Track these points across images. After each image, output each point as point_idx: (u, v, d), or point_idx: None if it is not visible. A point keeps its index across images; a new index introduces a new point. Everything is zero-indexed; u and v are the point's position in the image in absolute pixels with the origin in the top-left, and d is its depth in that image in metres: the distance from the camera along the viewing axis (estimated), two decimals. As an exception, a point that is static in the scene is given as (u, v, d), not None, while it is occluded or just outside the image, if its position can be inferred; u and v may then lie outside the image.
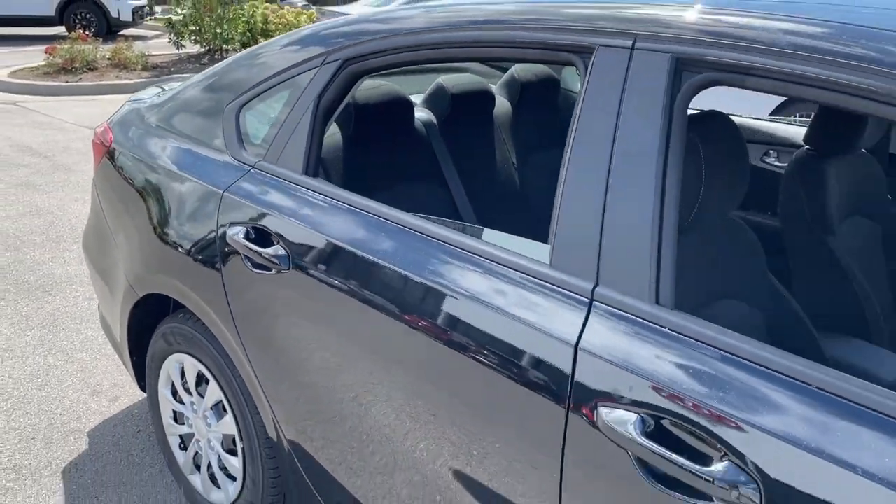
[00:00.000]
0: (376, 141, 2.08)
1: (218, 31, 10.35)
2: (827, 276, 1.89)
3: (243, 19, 10.64)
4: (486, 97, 2.48)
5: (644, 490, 1.10)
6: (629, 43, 1.25)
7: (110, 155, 2.28)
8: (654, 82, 1.21)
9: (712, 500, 1.04)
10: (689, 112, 1.28)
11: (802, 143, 2.00)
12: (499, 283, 1.32)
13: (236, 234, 1.75)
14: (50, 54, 9.56)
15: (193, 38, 10.63)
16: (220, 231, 1.81)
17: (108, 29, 13.64)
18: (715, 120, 1.47)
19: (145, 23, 15.23)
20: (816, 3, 1.17)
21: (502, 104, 2.58)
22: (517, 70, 2.53)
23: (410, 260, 1.45)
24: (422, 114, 2.35)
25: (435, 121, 2.34)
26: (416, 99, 2.46)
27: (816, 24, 1.11)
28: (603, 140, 1.24)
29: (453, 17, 1.53)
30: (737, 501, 1.00)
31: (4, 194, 5.14)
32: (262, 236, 1.73)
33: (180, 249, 1.94)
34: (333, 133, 2.10)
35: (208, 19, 10.36)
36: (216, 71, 2.08)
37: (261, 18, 10.96)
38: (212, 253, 1.84)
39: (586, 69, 1.29)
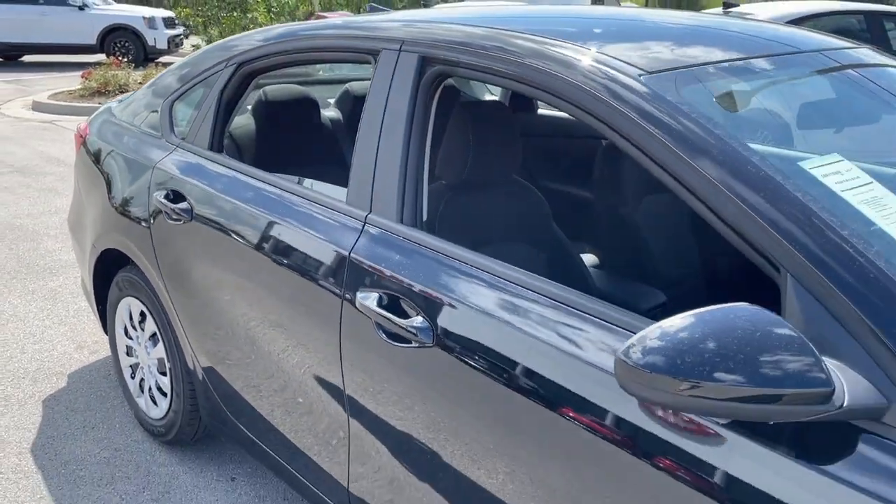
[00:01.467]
0: (283, 130, 2.63)
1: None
2: (623, 236, 2.38)
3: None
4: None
5: (381, 343, 1.62)
6: (398, 47, 1.79)
7: (84, 143, 2.88)
8: (409, 72, 1.74)
9: (411, 343, 1.55)
10: (470, 99, 1.81)
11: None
12: (317, 215, 1.85)
13: (159, 196, 2.32)
14: (86, 79, 10.39)
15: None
16: (151, 196, 2.38)
17: (146, 56, 14.56)
18: (487, 106, 1.99)
19: (180, 50, 16.17)
20: (502, 16, 1.70)
21: None
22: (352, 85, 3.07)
23: (267, 206, 1.99)
24: (331, 112, 2.91)
25: (341, 118, 2.90)
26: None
27: (495, 29, 1.64)
28: (378, 110, 1.78)
29: (301, 31, 2.09)
30: (424, 340, 1.51)
31: (31, 197, 5.82)
32: (177, 197, 2.29)
33: (125, 212, 2.51)
34: (248, 123, 2.66)
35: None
36: (161, 76, 2.67)
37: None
38: (144, 214, 2.41)
39: (376, 64, 1.84)
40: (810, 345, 0.99)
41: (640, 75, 1.42)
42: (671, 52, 1.55)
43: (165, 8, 16.40)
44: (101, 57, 14.46)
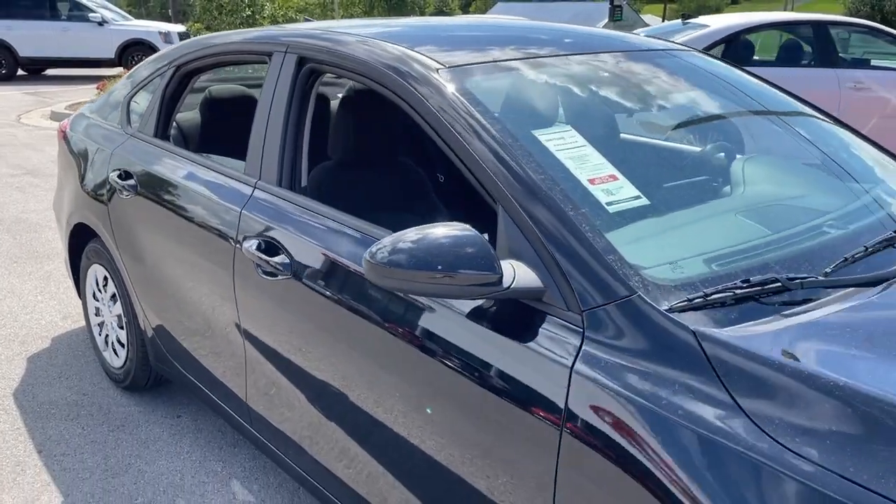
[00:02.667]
0: (221, 121, 3.09)
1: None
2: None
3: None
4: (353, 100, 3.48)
5: (259, 279, 2.08)
6: (284, 49, 2.27)
7: (64, 137, 3.39)
8: (291, 69, 2.21)
9: (277, 276, 2.01)
10: (358, 91, 2.28)
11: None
12: (224, 184, 2.32)
13: (113, 175, 2.81)
14: (100, 90, 11.03)
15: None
16: (108, 177, 2.87)
17: (160, 69, 15.22)
18: (369, 96, 2.45)
19: (195, 64, 16.83)
20: (370, 25, 2.17)
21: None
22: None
23: (190, 179, 2.47)
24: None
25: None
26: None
27: (353, 36, 2.11)
28: (268, 98, 2.25)
29: (221, 39, 2.58)
30: (286, 273, 1.97)
31: (38, 196, 6.38)
32: (126, 175, 2.78)
33: (90, 192, 3.01)
34: (196, 117, 3.15)
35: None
36: (122, 80, 3.17)
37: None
38: (104, 192, 2.90)
39: (269, 63, 2.31)
40: (489, 248, 1.43)
41: (437, 69, 1.88)
42: (474, 53, 2.01)
43: (178, 23, 17.08)
44: (119, 70, 15.16)
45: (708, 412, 1.23)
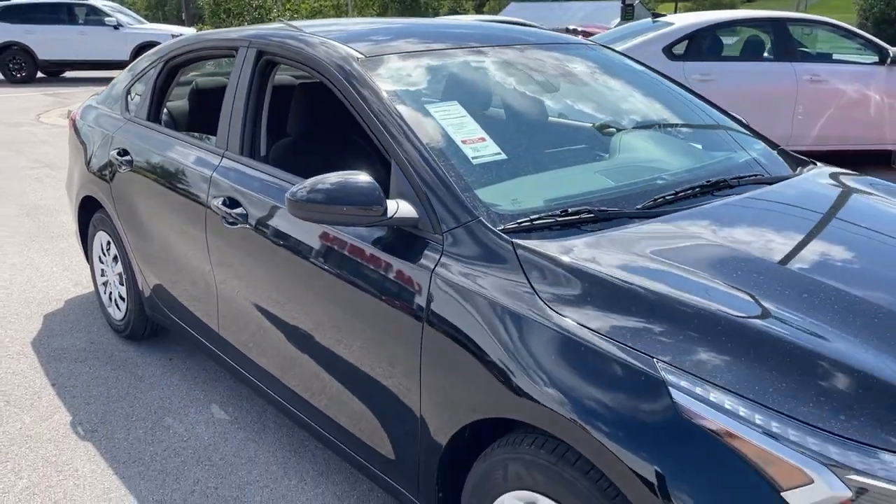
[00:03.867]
0: (205, 107, 3.61)
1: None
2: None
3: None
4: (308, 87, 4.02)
5: (224, 229, 2.61)
6: (247, 45, 2.79)
7: (73, 124, 3.94)
8: (252, 61, 2.74)
9: (237, 224, 2.53)
10: (312, 79, 2.79)
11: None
12: (201, 156, 2.85)
13: (113, 153, 3.36)
14: (114, 89, 11.63)
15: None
16: (110, 156, 3.41)
17: (173, 70, 15.87)
18: (320, 83, 2.96)
19: (206, 65, 17.46)
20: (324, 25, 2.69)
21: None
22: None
23: (175, 153, 2.99)
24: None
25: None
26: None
27: (295, 30, 2.64)
28: (234, 84, 2.77)
29: (199, 38, 3.11)
30: (244, 223, 2.50)
31: (55, 185, 6.96)
32: (124, 152, 3.32)
33: (96, 168, 3.55)
34: (185, 104, 3.69)
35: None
36: (122, 72, 3.72)
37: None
38: (106, 168, 3.44)
39: (236, 56, 2.84)
40: (379, 189, 1.93)
41: (358, 58, 2.39)
42: (395, 45, 2.52)
43: (191, 26, 17.73)
44: (132, 71, 15.79)
45: (515, 297, 1.74)
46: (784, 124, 6.99)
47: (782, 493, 1.31)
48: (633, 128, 2.74)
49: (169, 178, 2.96)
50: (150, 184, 3.10)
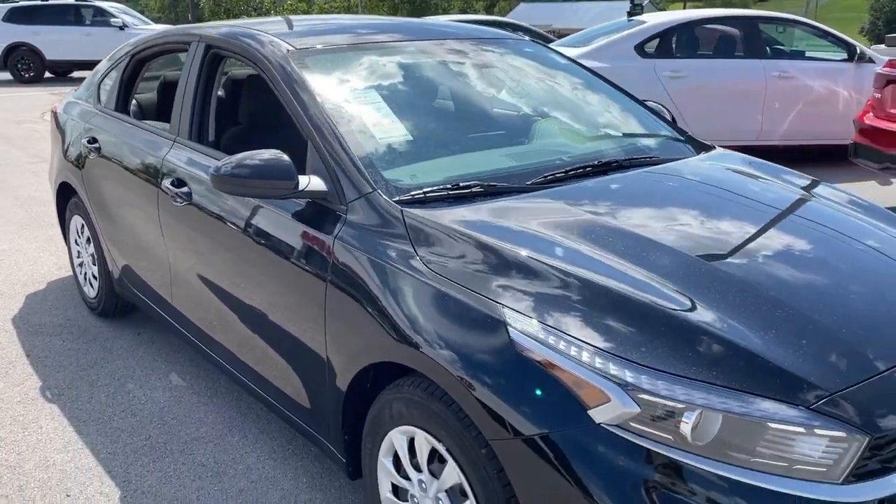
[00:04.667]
0: (172, 99, 3.87)
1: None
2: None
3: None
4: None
5: (173, 207, 2.86)
6: (197, 40, 3.05)
7: (54, 115, 4.22)
8: (201, 54, 3.00)
9: (182, 203, 2.79)
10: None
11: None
12: (156, 141, 3.11)
13: (84, 141, 3.63)
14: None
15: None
16: (81, 144, 3.68)
17: (176, 70, 16.22)
18: (249, 84, 3.21)
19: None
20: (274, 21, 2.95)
21: None
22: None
23: (136, 140, 3.26)
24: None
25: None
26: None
27: (241, 28, 2.89)
28: (185, 75, 3.03)
29: (159, 35, 3.38)
30: (188, 200, 2.75)
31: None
32: (93, 140, 3.59)
33: (70, 156, 3.82)
34: (153, 97, 3.96)
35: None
36: (96, 67, 3.99)
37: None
38: (79, 156, 3.72)
39: (188, 50, 3.10)
40: (292, 166, 2.18)
41: (288, 50, 2.64)
42: (328, 40, 2.77)
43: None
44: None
45: (400, 257, 1.99)
46: (754, 120, 7.20)
47: (588, 411, 1.55)
48: (552, 116, 2.97)
49: (129, 163, 3.23)
50: (114, 168, 3.36)
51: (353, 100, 2.49)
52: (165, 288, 3.13)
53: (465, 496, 1.82)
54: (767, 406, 1.52)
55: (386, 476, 2.09)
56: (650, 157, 2.65)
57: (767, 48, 7.39)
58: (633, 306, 1.70)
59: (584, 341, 1.63)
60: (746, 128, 7.22)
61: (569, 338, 1.64)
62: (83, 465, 2.72)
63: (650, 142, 2.86)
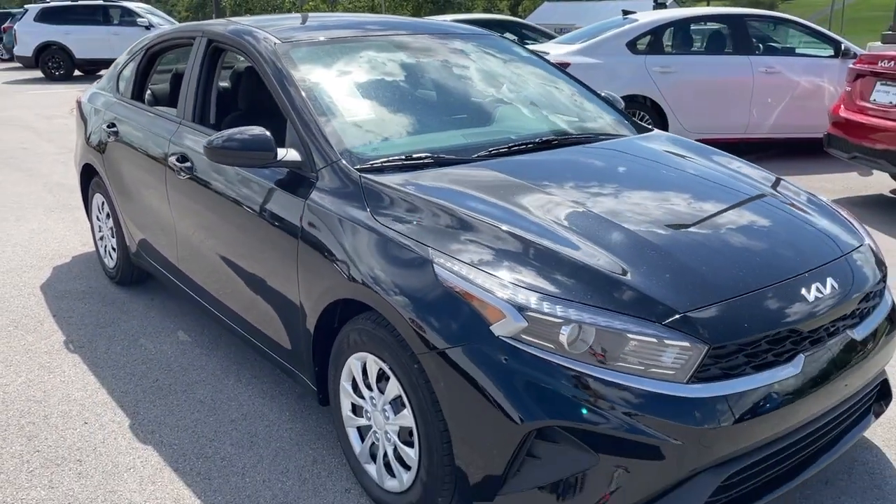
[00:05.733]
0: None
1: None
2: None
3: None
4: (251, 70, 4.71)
5: (178, 180, 3.31)
6: (201, 35, 3.49)
7: (78, 105, 4.69)
8: (203, 46, 3.43)
9: (185, 175, 3.23)
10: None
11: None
12: (166, 124, 3.55)
13: (105, 126, 4.09)
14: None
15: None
16: (102, 129, 4.14)
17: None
18: (248, 74, 3.64)
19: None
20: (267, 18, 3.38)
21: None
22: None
23: (148, 124, 3.70)
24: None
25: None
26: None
27: (236, 25, 3.33)
28: (191, 66, 3.46)
29: (170, 31, 3.82)
30: (189, 174, 3.19)
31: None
32: (112, 125, 4.04)
33: (93, 140, 4.29)
34: (166, 87, 4.41)
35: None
36: (116, 60, 4.45)
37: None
38: (100, 140, 4.18)
39: (193, 43, 3.53)
40: (272, 140, 2.60)
41: (275, 43, 3.07)
42: (312, 35, 3.19)
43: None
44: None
45: (355, 213, 2.40)
46: (742, 113, 7.52)
47: (490, 327, 1.96)
48: (510, 102, 3.37)
49: (142, 144, 3.68)
50: (129, 150, 3.81)
51: (328, 86, 2.91)
52: (172, 253, 3.57)
53: (404, 405, 2.22)
54: (630, 322, 1.91)
55: (346, 397, 2.51)
56: (589, 136, 3.04)
57: (756, 44, 7.71)
58: (532, 246, 2.11)
59: (490, 273, 2.03)
60: (734, 122, 7.55)
61: (478, 271, 2.04)
62: (99, 401, 3.16)
63: (594, 124, 3.25)
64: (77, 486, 2.60)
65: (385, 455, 2.37)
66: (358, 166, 2.55)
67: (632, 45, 7.42)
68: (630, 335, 1.90)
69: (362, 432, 2.50)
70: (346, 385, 2.50)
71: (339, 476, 2.64)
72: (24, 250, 5.11)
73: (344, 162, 2.56)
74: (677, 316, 1.93)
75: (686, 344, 1.90)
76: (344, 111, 2.81)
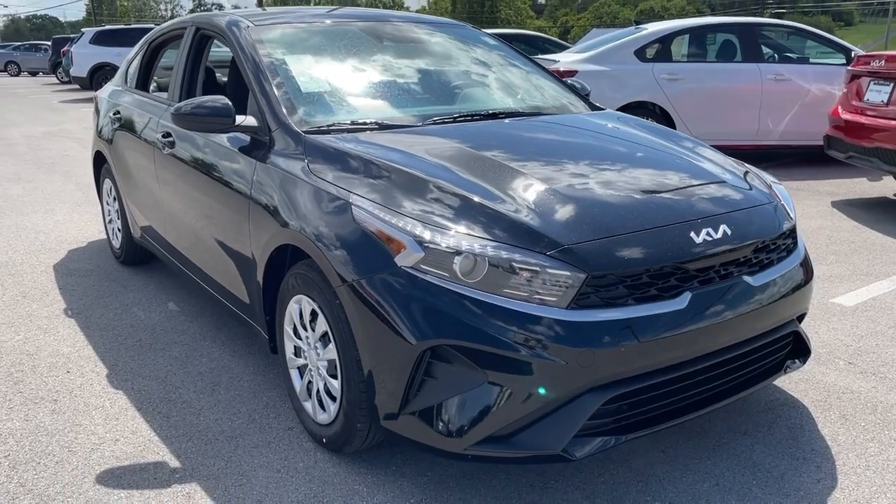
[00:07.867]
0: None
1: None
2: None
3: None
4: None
5: (163, 155, 3.59)
6: (191, 24, 3.79)
7: (95, 99, 5.05)
8: (191, 34, 3.73)
9: (167, 150, 3.51)
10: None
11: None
12: (160, 108, 3.85)
13: (111, 114, 4.41)
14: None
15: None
16: (109, 117, 4.47)
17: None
18: (233, 64, 3.91)
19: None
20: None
21: None
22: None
23: (146, 109, 4.00)
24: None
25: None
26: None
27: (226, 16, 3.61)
28: (181, 53, 3.76)
29: (166, 25, 4.13)
30: (171, 148, 3.46)
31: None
32: (117, 113, 4.37)
33: (103, 129, 4.63)
34: (169, 76, 4.72)
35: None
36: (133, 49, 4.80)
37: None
38: (108, 129, 4.50)
39: (186, 33, 3.83)
40: (232, 107, 2.85)
41: (247, 26, 3.33)
42: (282, 18, 3.45)
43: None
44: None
45: (294, 167, 2.62)
46: (751, 121, 7.59)
47: (394, 259, 2.15)
48: (471, 83, 3.57)
49: (138, 127, 3.98)
50: (129, 134, 4.12)
51: (290, 62, 3.16)
52: (161, 225, 3.84)
53: (330, 340, 2.42)
54: (516, 252, 2.08)
55: (289, 340, 2.72)
56: (539, 112, 3.22)
57: (767, 52, 7.78)
58: (442, 190, 2.30)
59: (397, 212, 2.23)
60: (743, 129, 7.61)
61: (387, 210, 2.24)
62: (84, 355, 3.43)
63: (546, 102, 3.43)
64: (48, 419, 2.85)
65: (318, 391, 2.57)
66: (304, 129, 2.78)
67: (640, 53, 7.57)
68: (515, 264, 2.07)
69: (301, 372, 2.70)
70: (288, 329, 2.70)
71: (286, 418, 2.84)
72: (45, 236, 5.48)
73: (292, 124, 2.79)
74: (562, 248, 2.10)
75: (567, 273, 2.06)
76: (301, 84, 3.05)
